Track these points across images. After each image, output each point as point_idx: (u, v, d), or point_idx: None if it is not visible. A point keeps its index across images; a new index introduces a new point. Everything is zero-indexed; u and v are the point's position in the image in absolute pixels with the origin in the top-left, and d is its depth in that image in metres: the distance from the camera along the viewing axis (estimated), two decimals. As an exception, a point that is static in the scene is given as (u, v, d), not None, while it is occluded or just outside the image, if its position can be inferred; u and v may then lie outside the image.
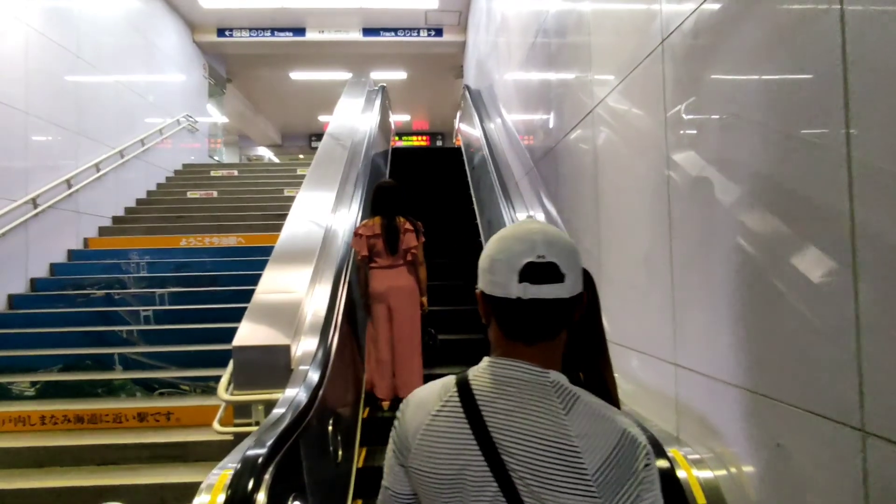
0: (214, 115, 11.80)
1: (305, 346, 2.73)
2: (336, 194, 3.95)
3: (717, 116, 1.54)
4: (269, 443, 1.76)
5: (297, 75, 12.20)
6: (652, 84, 1.95)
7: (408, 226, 3.61)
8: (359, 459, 3.25)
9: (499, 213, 4.45)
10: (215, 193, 7.79)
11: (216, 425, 2.59)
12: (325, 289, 3.20)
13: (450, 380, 0.86)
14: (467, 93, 7.40)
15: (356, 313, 3.75)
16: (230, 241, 6.31)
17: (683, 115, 1.74)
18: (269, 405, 2.42)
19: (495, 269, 0.81)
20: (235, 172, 8.80)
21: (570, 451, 0.75)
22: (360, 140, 5.35)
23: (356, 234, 3.59)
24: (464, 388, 0.82)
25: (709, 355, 1.62)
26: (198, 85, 10.08)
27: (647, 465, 0.77)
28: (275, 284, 3.05)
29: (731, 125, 1.47)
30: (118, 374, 4.07)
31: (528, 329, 0.81)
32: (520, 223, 0.86)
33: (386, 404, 3.55)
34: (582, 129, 2.78)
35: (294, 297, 2.93)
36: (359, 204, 4.33)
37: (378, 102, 6.86)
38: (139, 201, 7.39)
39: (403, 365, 3.52)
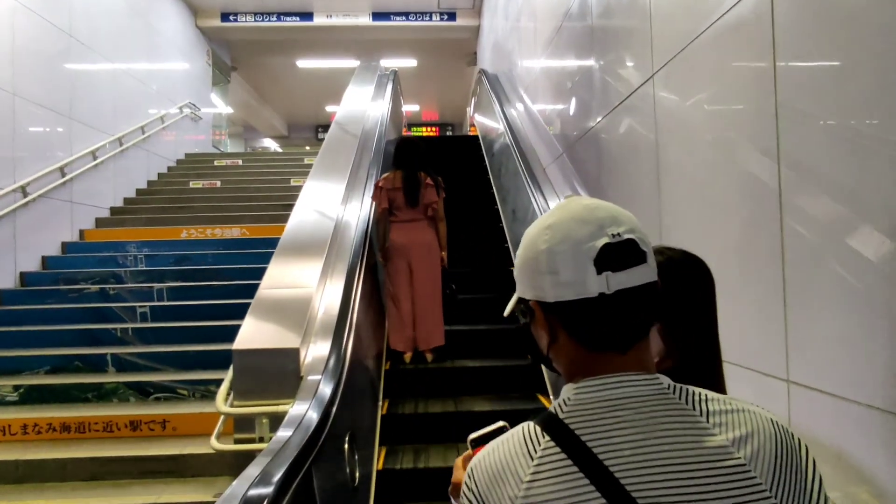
0: (219, 105, 11.46)
1: (317, 349, 2.39)
2: (347, 184, 3.62)
3: (868, 58, 1.15)
4: (277, 479, 1.40)
5: (303, 63, 11.82)
6: (749, 34, 1.56)
7: (428, 181, 3.59)
8: (382, 407, 3.24)
9: (526, 200, 4.08)
10: (218, 183, 7.44)
11: (214, 442, 2.25)
12: (337, 284, 2.85)
13: (529, 428, 0.63)
14: (484, 77, 7.01)
15: (377, 267, 3.72)
16: (233, 232, 5.96)
17: (808, 64, 1.35)
18: (276, 418, 2.10)
19: (558, 265, 0.61)
20: (240, 162, 8.45)
21: (736, 469, 0.56)
22: (371, 128, 4.99)
23: (377, 187, 3.58)
24: (558, 429, 0.61)
25: (846, 372, 1.24)
26: (201, 72, 9.72)
27: (814, 461, 0.61)
28: (281, 279, 2.71)
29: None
30: (110, 377, 3.72)
31: (620, 332, 0.63)
32: (566, 203, 0.66)
33: (408, 357, 3.55)
34: (635, 103, 2.39)
35: (303, 293, 2.59)
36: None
37: (389, 89, 6.48)
38: (139, 191, 7.06)
39: (425, 318, 3.51)
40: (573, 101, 3.46)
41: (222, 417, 2.33)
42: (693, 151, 1.93)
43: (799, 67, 1.38)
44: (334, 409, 1.97)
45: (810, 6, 1.34)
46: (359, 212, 3.60)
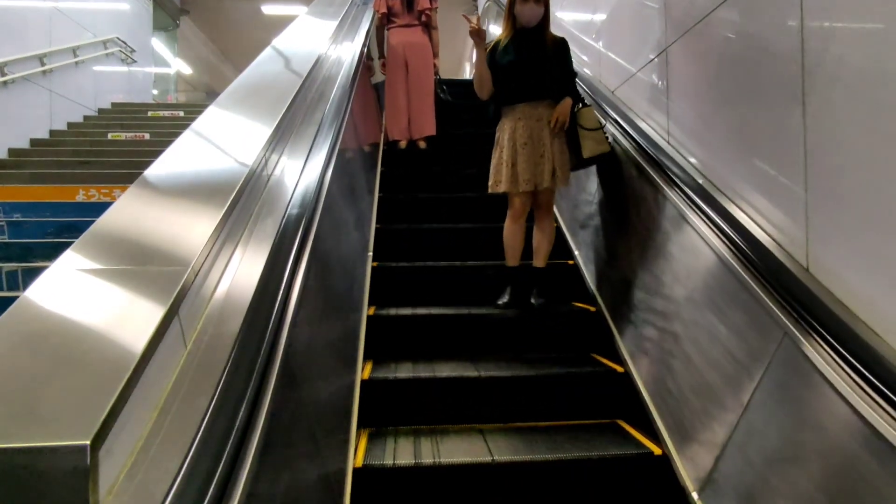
0: (166, 56, 9.68)
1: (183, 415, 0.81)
2: (276, 128, 1.80)
3: None
4: None
5: (270, 9, 10.04)
6: None
7: None
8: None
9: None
10: (147, 136, 5.76)
11: None
12: (250, 271, 1.21)
13: None
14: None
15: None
16: (151, 194, 4.31)
17: None
18: None
19: None
20: (181, 113, 6.74)
21: None
22: (332, 72, 3.04)
23: None
24: None
25: None
26: (137, 6, 7.91)
27: None
28: (116, 243, 1.09)
29: None
30: None
31: None
32: None
33: (402, 144, 3.98)
34: None
35: (159, 283, 0.98)
36: (326, 155, 2.10)
37: (366, 21, 4.67)
38: (35, 141, 5.34)
39: (417, 111, 3.95)
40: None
41: None
42: None
43: None
44: None
45: None
46: (298, 176, 1.85)
